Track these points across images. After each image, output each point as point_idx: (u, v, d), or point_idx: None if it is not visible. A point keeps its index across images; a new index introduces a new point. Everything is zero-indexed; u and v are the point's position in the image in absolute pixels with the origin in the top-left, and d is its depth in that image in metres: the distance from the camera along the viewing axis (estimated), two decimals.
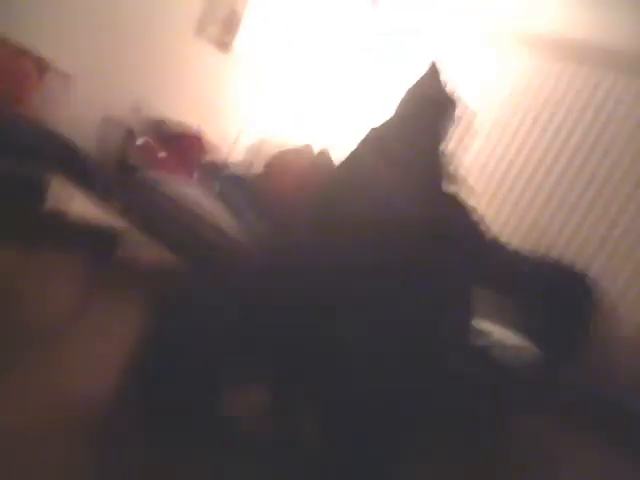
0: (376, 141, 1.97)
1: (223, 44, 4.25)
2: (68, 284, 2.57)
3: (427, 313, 1.79)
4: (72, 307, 2.33)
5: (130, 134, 4.02)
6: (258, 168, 3.79)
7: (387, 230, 1.80)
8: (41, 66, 3.35)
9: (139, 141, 4.10)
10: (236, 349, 1.85)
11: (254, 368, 1.94)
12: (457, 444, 2.74)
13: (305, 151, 3.93)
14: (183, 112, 4.26)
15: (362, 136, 2.05)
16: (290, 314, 1.80)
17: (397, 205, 1.80)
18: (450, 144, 2.04)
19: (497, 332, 2.80)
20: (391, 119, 2.03)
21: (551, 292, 3.43)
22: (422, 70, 2.12)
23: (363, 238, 1.81)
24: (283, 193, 3.11)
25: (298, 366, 1.90)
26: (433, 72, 2.06)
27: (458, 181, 2.11)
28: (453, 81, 2.09)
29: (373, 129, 2.05)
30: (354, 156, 2.02)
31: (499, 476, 2.62)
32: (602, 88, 4.02)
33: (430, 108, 1.97)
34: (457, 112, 2.04)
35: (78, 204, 2.29)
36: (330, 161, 3.47)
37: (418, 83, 2.05)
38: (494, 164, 4.40)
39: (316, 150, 3.96)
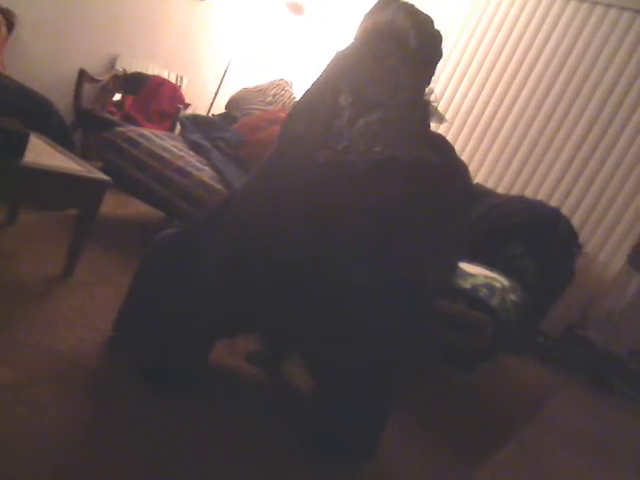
0: (343, 77, 1.79)
1: None
2: (53, 240, 2.56)
3: (414, 255, 1.78)
4: (59, 264, 2.33)
5: (106, 88, 3.95)
6: (237, 117, 3.74)
7: (367, 172, 1.76)
8: (9, 20, 3.25)
9: (116, 95, 4.04)
10: (226, 298, 1.86)
11: (244, 316, 1.96)
12: (441, 382, 2.84)
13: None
14: (160, 64, 4.19)
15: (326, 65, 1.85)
16: (277, 261, 1.79)
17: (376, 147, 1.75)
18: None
19: (483, 273, 2.84)
20: (357, 51, 1.82)
21: (535, 235, 3.48)
22: None
23: (338, 180, 1.76)
24: (261, 143, 3.07)
25: (288, 311, 1.91)
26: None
27: (443, 120, 2.05)
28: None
29: (338, 56, 1.84)
30: (318, 88, 1.83)
31: (481, 412, 2.72)
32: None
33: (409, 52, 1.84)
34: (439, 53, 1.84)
35: (57, 160, 2.25)
36: None
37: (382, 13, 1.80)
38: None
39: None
